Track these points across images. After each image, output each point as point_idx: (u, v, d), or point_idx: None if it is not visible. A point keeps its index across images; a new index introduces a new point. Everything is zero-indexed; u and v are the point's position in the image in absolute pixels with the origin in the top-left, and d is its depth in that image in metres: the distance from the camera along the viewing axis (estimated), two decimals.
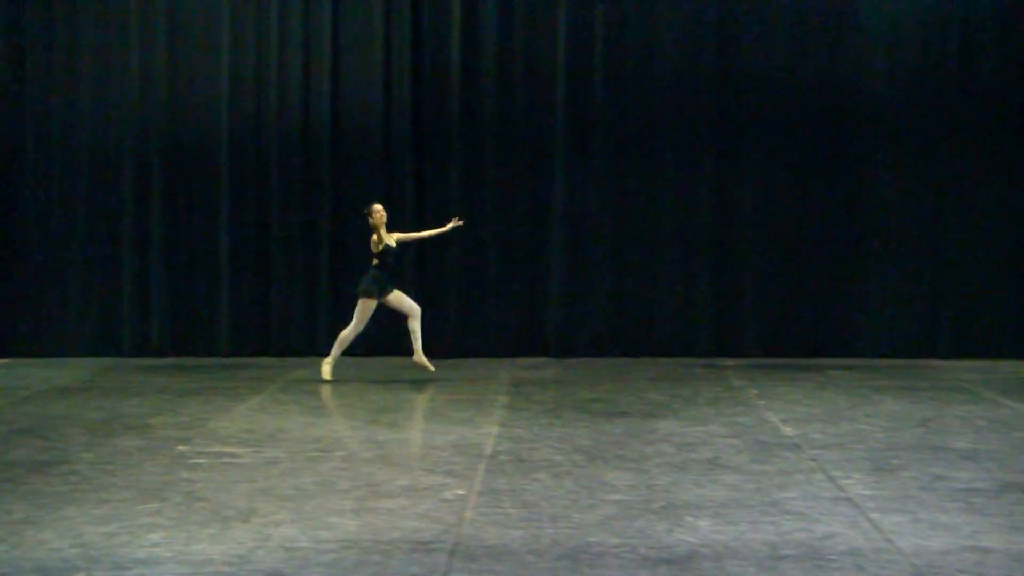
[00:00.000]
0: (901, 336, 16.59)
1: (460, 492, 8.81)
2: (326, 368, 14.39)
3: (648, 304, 16.65)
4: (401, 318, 14.68)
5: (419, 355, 14.40)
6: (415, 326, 14.40)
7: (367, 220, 14.33)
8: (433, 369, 14.42)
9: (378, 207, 14.40)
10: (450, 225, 14.79)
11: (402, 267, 15.48)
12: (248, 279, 16.77)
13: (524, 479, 9.24)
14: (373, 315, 14.35)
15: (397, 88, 16.72)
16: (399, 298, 14.44)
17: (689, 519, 8.04)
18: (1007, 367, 15.62)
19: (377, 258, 14.28)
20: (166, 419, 11.87)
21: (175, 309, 16.79)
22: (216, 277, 16.73)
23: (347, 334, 14.37)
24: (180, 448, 10.46)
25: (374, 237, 14.25)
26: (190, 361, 16.29)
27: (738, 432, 11.16)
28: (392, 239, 14.39)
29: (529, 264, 16.68)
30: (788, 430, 11.26)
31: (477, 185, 16.60)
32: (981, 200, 16.48)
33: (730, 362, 16.09)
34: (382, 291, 14.24)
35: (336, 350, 14.42)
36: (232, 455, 10.17)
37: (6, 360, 16.25)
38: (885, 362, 16.06)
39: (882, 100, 16.62)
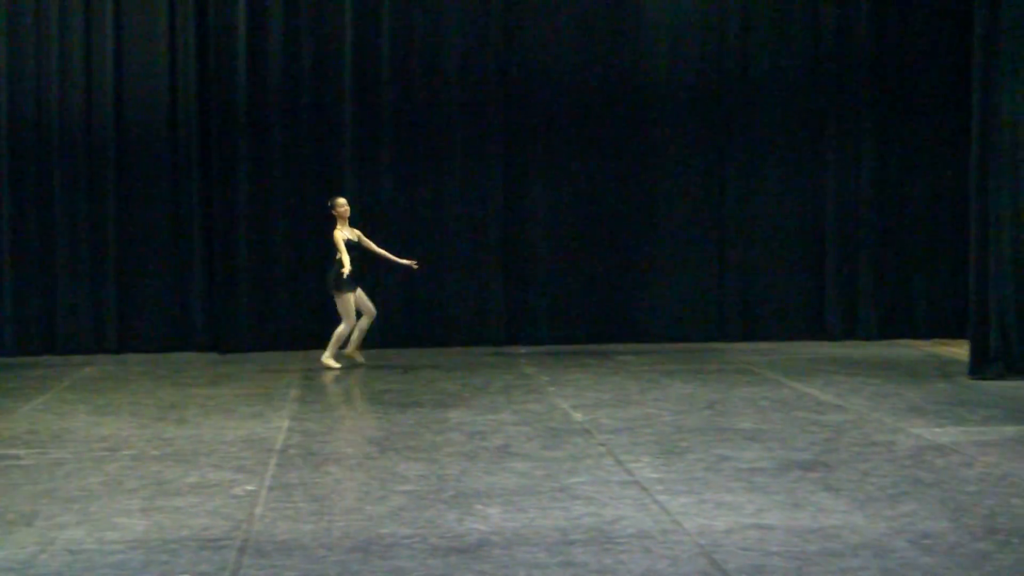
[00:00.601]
0: (690, 321, 16.93)
1: (250, 488, 8.73)
2: (328, 360, 14.67)
3: (439, 294, 16.69)
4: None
5: (354, 348, 14.85)
6: (365, 325, 14.71)
7: (331, 213, 14.61)
8: (363, 360, 14.88)
9: (342, 200, 14.70)
10: (406, 262, 14.96)
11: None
12: (32, 276, 16.32)
13: (315, 472, 9.19)
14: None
15: (182, 81, 16.44)
16: (361, 296, 14.66)
17: (480, 507, 8.08)
18: (790, 348, 16.03)
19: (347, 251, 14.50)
20: None
21: None
22: None
23: (342, 330, 14.64)
24: None
25: (337, 231, 14.45)
26: None
27: (529, 419, 11.26)
28: (354, 233, 14.64)
29: (320, 256, 16.54)
30: (578, 416, 11.40)
31: (265, 178, 16.41)
32: (765, 188, 16.90)
33: (522, 350, 16.23)
34: (353, 282, 14.46)
35: (332, 347, 14.69)
36: (14, 457, 9.91)
37: None
38: (674, 346, 16.36)
39: (666, 92, 16.95)
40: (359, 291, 14.68)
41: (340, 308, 14.59)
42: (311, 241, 16.44)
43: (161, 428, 11.12)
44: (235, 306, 16.32)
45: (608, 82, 16.88)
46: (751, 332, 16.82)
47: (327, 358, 14.68)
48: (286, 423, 11.18)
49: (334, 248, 14.56)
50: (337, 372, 14.53)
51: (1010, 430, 10.61)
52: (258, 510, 8.08)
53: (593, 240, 16.87)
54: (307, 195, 16.45)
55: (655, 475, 8.98)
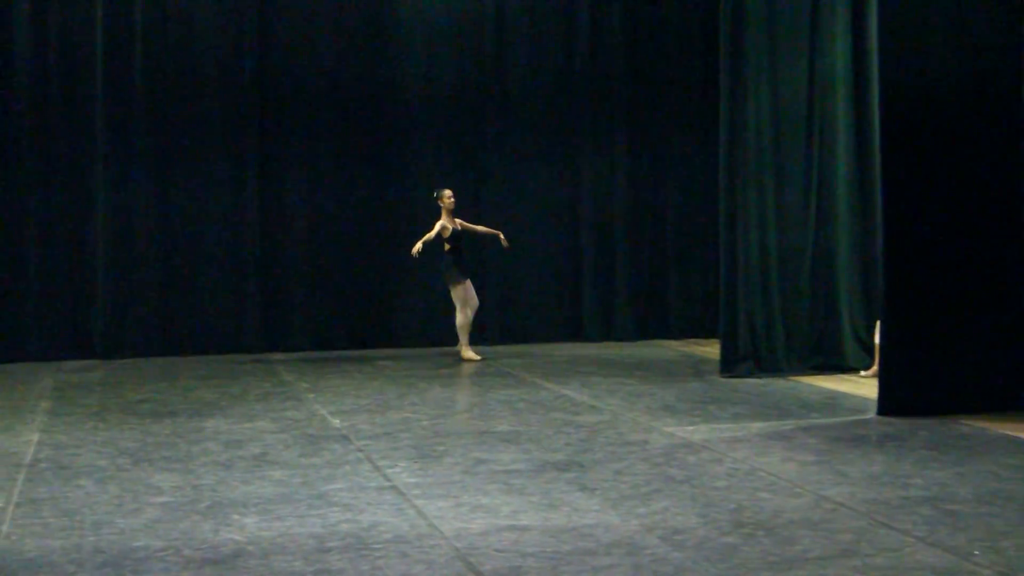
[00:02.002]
0: (448, 325, 16.98)
1: None
2: (466, 352, 15.40)
3: (196, 301, 16.46)
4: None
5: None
6: (464, 322, 15.38)
7: (437, 204, 15.03)
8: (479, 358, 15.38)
9: (448, 192, 15.15)
10: (499, 234, 15.76)
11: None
12: None
13: (66, 486, 8.97)
14: None
15: None
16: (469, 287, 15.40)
17: (236, 517, 7.99)
18: (548, 351, 16.24)
19: (448, 243, 15.23)
20: None
21: None
22: None
23: (462, 320, 15.33)
24: None
25: (442, 223, 15.10)
26: None
27: (287, 427, 11.18)
28: (458, 223, 15.35)
29: (73, 264, 16.18)
30: (337, 422, 11.37)
31: (13, 182, 15.92)
32: (521, 192, 17.13)
33: (280, 357, 16.10)
34: (464, 273, 15.28)
35: (463, 337, 15.37)
36: None
37: None
38: (433, 351, 16.43)
39: (422, 98, 17.08)
40: (468, 282, 15.28)
41: (454, 298, 15.22)
42: (64, 247, 16.05)
43: None
44: None
45: (365, 87, 16.90)
46: (509, 335, 17.01)
47: (464, 351, 15.38)
48: (36, 436, 10.87)
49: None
50: (478, 362, 15.27)
51: (758, 426, 10.94)
52: (4, 527, 7.84)
53: (351, 246, 16.85)
54: (56, 199, 16.03)
55: (413, 480, 9.01)
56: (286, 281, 16.70)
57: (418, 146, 17.06)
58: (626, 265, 17.53)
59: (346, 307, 16.86)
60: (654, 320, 17.65)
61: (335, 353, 16.32)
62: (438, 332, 16.87)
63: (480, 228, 15.78)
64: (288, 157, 16.69)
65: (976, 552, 7.01)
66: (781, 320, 14.08)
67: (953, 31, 11.47)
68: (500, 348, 16.55)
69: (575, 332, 17.36)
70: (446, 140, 17.14)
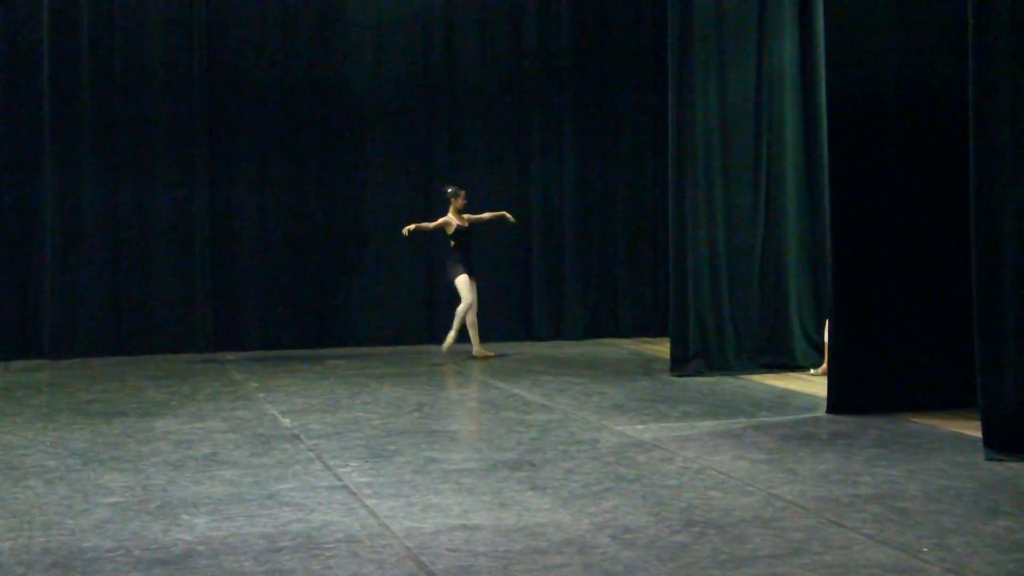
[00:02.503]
0: (399, 324, 17.02)
1: None
2: (479, 351, 15.47)
3: (145, 301, 16.39)
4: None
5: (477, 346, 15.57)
6: (473, 319, 15.33)
7: (451, 201, 15.13)
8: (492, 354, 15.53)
9: (463, 192, 15.33)
10: (503, 216, 15.72)
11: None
12: None
13: (15, 487, 8.91)
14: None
15: None
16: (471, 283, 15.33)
17: (186, 517, 7.96)
18: (499, 349, 16.23)
19: (453, 239, 15.31)
20: None
21: None
22: None
23: (471, 318, 15.31)
24: None
25: (446, 219, 15.24)
26: None
27: (237, 426, 11.14)
28: (465, 220, 15.39)
29: (20, 263, 16.07)
30: (287, 422, 11.34)
31: None
32: (471, 190, 16.99)
33: (231, 356, 16.05)
34: (468, 268, 15.24)
35: (473, 334, 15.40)
36: None
37: None
38: (384, 350, 16.42)
39: (371, 95, 17.06)
40: (468, 277, 15.28)
41: (460, 291, 15.22)
42: (11, 247, 15.94)
43: None
44: None
45: (315, 84, 16.90)
46: (461, 334, 16.97)
47: (477, 349, 15.47)
48: None
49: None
50: (492, 357, 15.48)
51: (708, 424, 10.98)
52: None
53: (301, 244, 16.83)
54: (3, 199, 15.95)
55: (364, 479, 9.00)
56: (236, 280, 16.65)
57: (368, 144, 17.06)
58: (576, 264, 17.58)
59: (296, 306, 16.83)
60: (604, 319, 17.70)
61: (285, 352, 16.29)
62: (389, 331, 16.89)
63: (485, 215, 15.77)
64: (237, 156, 16.64)
65: (925, 549, 7.06)
66: (731, 319, 14.14)
67: (899, 31, 11.55)
68: (453, 348, 16.50)
69: (525, 331, 17.40)
70: (395, 138, 17.14)
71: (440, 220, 15.38)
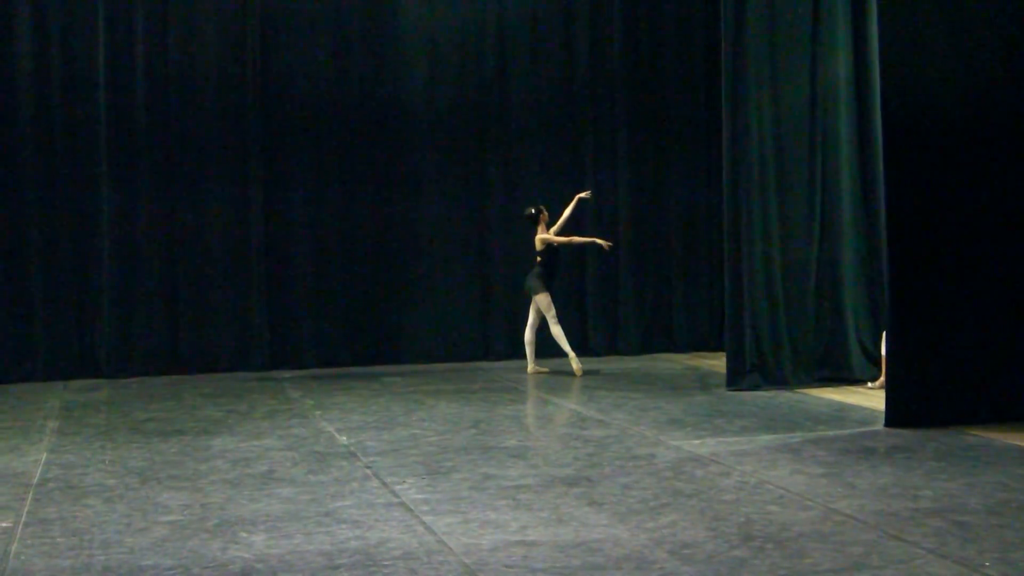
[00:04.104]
0: (454, 341, 17.02)
1: (5, 525, 8.46)
2: (532, 367, 15.61)
3: (201, 320, 16.45)
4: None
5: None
6: (531, 337, 15.59)
7: (536, 217, 15.43)
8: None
9: (544, 207, 15.25)
10: (576, 198, 15.76)
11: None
12: None
13: (74, 506, 8.97)
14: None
15: None
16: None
17: (244, 535, 7.99)
18: (554, 366, 16.20)
19: (541, 256, 15.37)
20: None
21: None
22: None
23: (557, 330, 15.34)
24: None
25: (542, 235, 15.34)
26: None
27: (294, 444, 11.17)
28: (553, 238, 15.49)
29: (78, 283, 16.18)
30: (344, 439, 11.36)
31: (17, 201, 15.91)
32: (524, 206, 17.03)
33: (287, 374, 16.10)
34: (549, 286, 15.33)
35: (563, 345, 15.37)
36: None
37: None
38: (440, 367, 16.44)
39: (425, 111, 17.09)
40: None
41: (542, 308, 15.27)
42: (68, 266, 16.06)
43: None
44: None
45: (368, 102, 16.92)
46: (516, 351, 16.98)
47: (533, 367, 15.60)
48: (44, 456, 10.87)
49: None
50: (547, 372, 15.62)
51: (765, 439, 10.92)
52: (14, 547, 7.84)
53: (356, 261, 16.86)
54: (61, 217, 16.04)
55: (420, 496, 9.00)
56: (291, 298, 16.70)
57: (421, 161, 17.08)
58: (630, 279, 17.54)
59: (352, 324, 16.86)
60: (659, 334, 17.66)
61: (341, 370, 16.32)
62: (446, 348, 16.89)
63: (577, 239, 15.91)
64: (292, 174, 16.70)
65: (987, 563, 6.99)
66: (787, 332, 14.07)
67: (954, 38, 11.49)
68: (507, 363, 16.55)
69: (580, 346, 17.33)
70: (449, 154, 17.16)
71: (542, 241, 15.45)
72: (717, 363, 15.53)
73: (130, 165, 16.22)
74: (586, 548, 7.49)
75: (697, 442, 10.83)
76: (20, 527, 8.36)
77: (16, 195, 15.91)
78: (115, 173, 16.15)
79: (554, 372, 15.63)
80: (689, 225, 17.73)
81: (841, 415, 12.15)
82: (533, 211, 15.54)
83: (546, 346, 15.81)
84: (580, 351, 17.10)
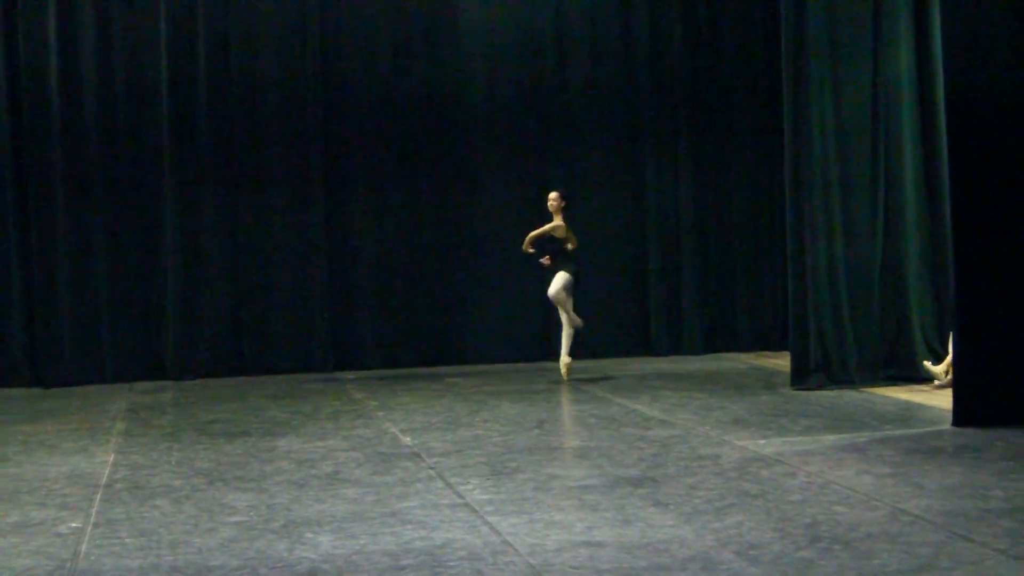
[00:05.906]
0: (517, 341, 17.01)
1: (75, 525, 8.55)
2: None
3: (265, 321, 16.54)
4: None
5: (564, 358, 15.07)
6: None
7: (564, 211, 15.11)
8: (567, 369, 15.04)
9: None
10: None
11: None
12: None
13: (142, 507, 9.04)
14: None
15: None
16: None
17: (310, 535, 8.02)
18: (617, 365, 16.21)
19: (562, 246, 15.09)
20: None
21: None
22: None
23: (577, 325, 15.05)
24: None
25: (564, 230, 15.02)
26: None
27: (358, 445, 11.21)
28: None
29: (143, 286, 16.31)
30: (408, 440, 11.39)
31: (83, 206, 16.06)
32: (586, 205, 17.00)
33: (350, 375, 16.16)
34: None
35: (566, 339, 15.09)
36: None
37: None
38: (502, 367, 16.45)
39: (484, 110, 17.11)
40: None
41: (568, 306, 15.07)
42: (133, 269, 16.20)
43: None
44: (57, 339, 15.96)
45: (427, 100, 16.96)
46: (579, 351, 16.94)
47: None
48: (112, 457, 10.97)
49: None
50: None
51: (831, 439, 10.86)
52: (83, 547, 7.92)
53: (418, 261, 16.90)
54: (126, 224, 16.18)
55: (485, 496, 9.00)
56: (354, 299, 16.76)
57: (482, 160, 17.09)
58: (693, 278, 17.48)
59: (415, 324, 16.89)
60: (723, 333, 17.58)
61: (404, 371, 16.37)
62: (509, 347, 16.89)
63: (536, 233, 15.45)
64: (353, 176, 16.76)
65: None
66: (851, 331, 13.97)
67: (1018, 35, 11.36)
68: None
69: (643, 346, 17.32)
70: (510, 153, 17.15)
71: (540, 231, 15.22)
72: (781, 362, 15.45)
73: (193, 169, 16.33)
74: (652, 549, 7.47)
75: (762, 442, 10.78)
76: (89, 528, 8.44)
77: (82, 201, 16.07)
78: (179, 177, 16.26)
79: (609, 374, 15.60)
80: (752, 223, 17.64)
81: (908, 414, 12.06)
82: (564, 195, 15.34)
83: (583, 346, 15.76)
84: (643, 351, 17.11)
